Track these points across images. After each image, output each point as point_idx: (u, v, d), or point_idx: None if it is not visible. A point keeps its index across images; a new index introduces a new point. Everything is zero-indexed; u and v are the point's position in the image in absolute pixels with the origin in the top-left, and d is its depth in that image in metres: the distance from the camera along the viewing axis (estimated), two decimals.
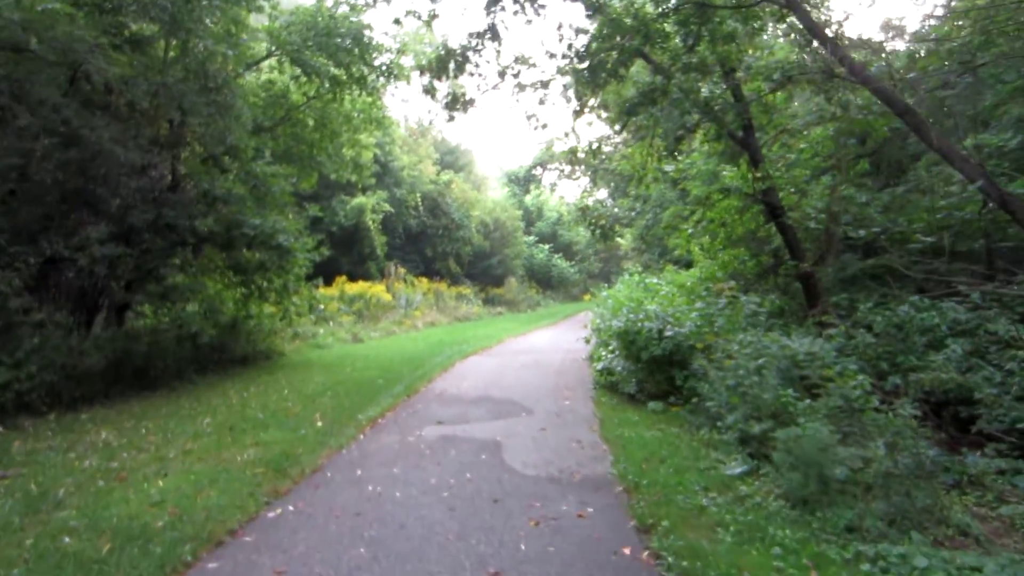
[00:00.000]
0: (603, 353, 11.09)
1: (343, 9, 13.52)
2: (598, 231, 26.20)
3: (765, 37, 11.86)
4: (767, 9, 9.49)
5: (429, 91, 12.90)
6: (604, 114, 14.24)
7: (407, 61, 15.64)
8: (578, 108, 14.78)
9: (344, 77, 15.09)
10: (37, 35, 7.77)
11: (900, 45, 15.80)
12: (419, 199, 31.15)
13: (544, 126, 13.21)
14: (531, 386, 10.55)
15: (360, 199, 26.43)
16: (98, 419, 7.97)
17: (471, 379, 11.23)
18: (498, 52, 13.12)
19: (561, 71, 13.02)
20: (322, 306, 18.61)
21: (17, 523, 4.55)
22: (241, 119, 10.34)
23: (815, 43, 9.08)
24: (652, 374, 9.21)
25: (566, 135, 14.18)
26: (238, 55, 10.65)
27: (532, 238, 45.21)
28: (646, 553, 4.26)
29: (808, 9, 9.15)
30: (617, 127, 13.82)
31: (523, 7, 10.33)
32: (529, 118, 14.32)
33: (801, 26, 8.84)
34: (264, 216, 10.18)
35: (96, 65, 8.10)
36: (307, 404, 8.89)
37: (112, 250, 8.76)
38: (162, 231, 9.59)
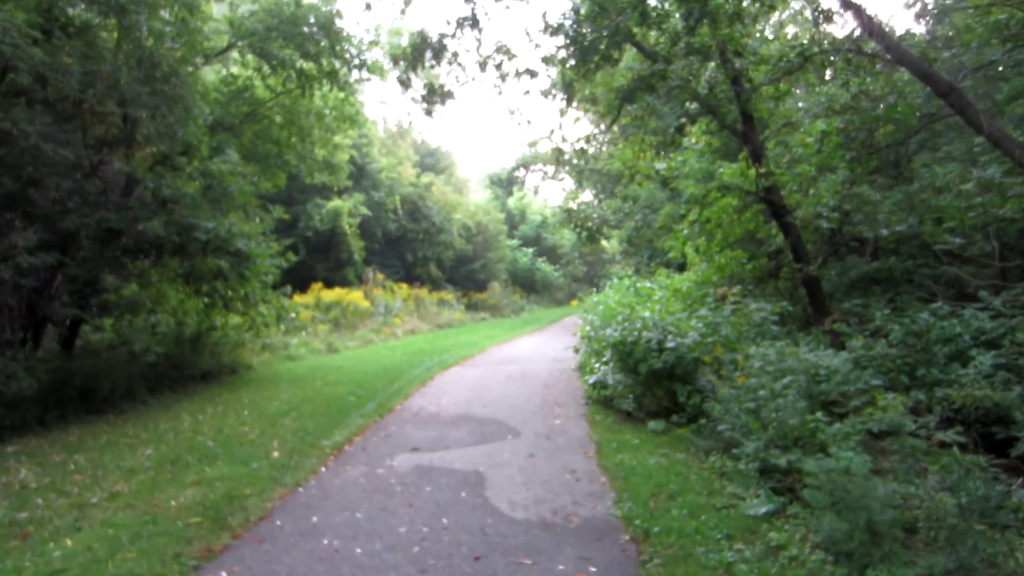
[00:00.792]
0: (595, 365, 10.21)
1: None
2: (584, 233, 25.44)
3: (768, 23, 11.11)
4: None
5: (404, 82, 12.00)
6: (592, 108, 13.36)
7: (381, 54, 14.73)
8: (565, 103, 13.97)
9: (314, 71, 14.15)
10: None
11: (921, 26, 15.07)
12: (398, 202, 30.15)
13: (528, 121, 12.34)
14: (517, 402, 9.64)
15: (336, 202, 25.41)
16: (25, 453, 6.95)
17: (451, 394, 10.29)
18: (479, 41, 12.21)
19: (548, 60, 12.17)
20: (293, 315, 17.57)
21: None
22: (193, 112, 9.35)
23: (836, 19, 8.25)
24: (651, 389, 8.33)
25: (552, 132, 13.26)
26: (189, 41, 9.64)
27: (515, 242, 44.30)
28: None
29: None
30: (606, 122, 12.97)
31: None
32: (512, 112, 13.43)
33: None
34: (219, 219, 9.18)
35: (20, 53, 7.10)
36: (266, 428, 7.92)
37: (43, 259, 7.75)
38: (104, 237, 8.58)
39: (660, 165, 14.17)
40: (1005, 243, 9.47)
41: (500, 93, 12.48)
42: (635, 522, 4.78)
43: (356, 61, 14.02)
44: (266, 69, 12.82)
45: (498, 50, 12.16)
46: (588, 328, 13.56)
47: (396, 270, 31.19)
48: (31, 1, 7.97)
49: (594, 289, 22.16)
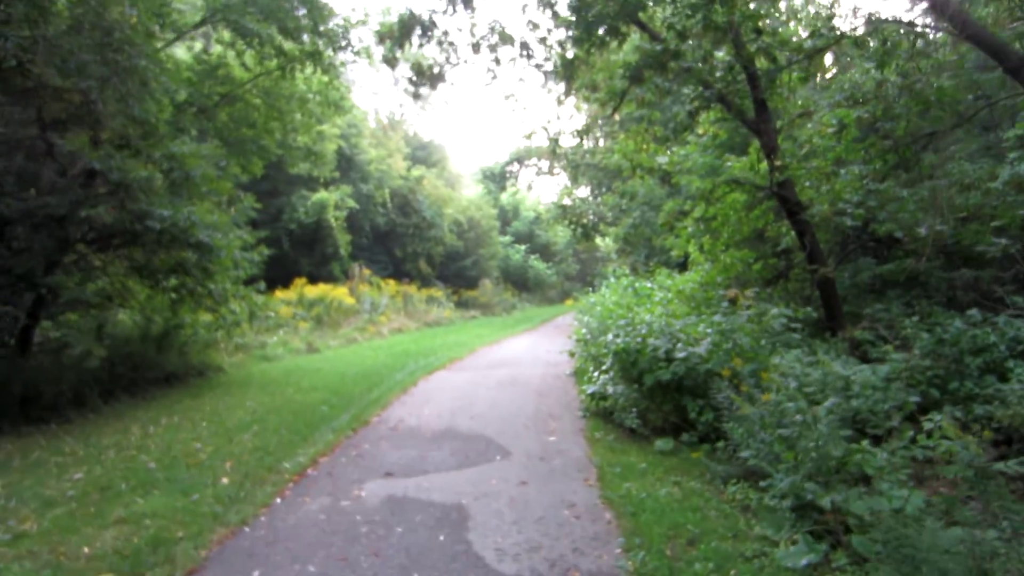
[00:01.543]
0: (593, 373, 9.29)
1: None
2: (579, 230, 24.58)
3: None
4: None
5: (389, 61, 11.07)
6: (592, 96, 12.43)
7: (369, 35, 13.80)
8: (564, 87, 13.07)
9: (295, 51, 13.21)
10: None
11: None
12: (387, 195, 29.15)
13: (524, 108, 11.44)
14: (507, 413, 8.72)
15: (322, 194, 24.40)
16: None
17: (435, 404, 9.36)
18: (472, 22, 11.30)
19: (545, 42, 11.26)
20: (272, 313, 16.60)
21: None
22: (151, 86, 8.38)
23: None
24: (657, 403, 7.43)
25: (548, 122, 12.35)
26: (149, 8, 8.67)
27: (508, 238, 43.37)
28: None
29: None
30: (608, 110, 12.06)
31: None
32: (508, 98, 12.51)
33: None
34: (177, 207, 8.20)
35: None
36: (222, 445, 6.97)
37: None
38: (42, 224, 7.61)
39: (662, 159, 13.30)
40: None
41: (495, 78, 11.55)
42: None
43: (341, 41, 13.06)
44: (241, 45, 11.87)
45: (492, 30, 11.27)
46: (584, 331, 12.68)
47: (384, 266, 30.23)
48: None
49: (589, 289, 21.27)
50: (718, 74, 9.36)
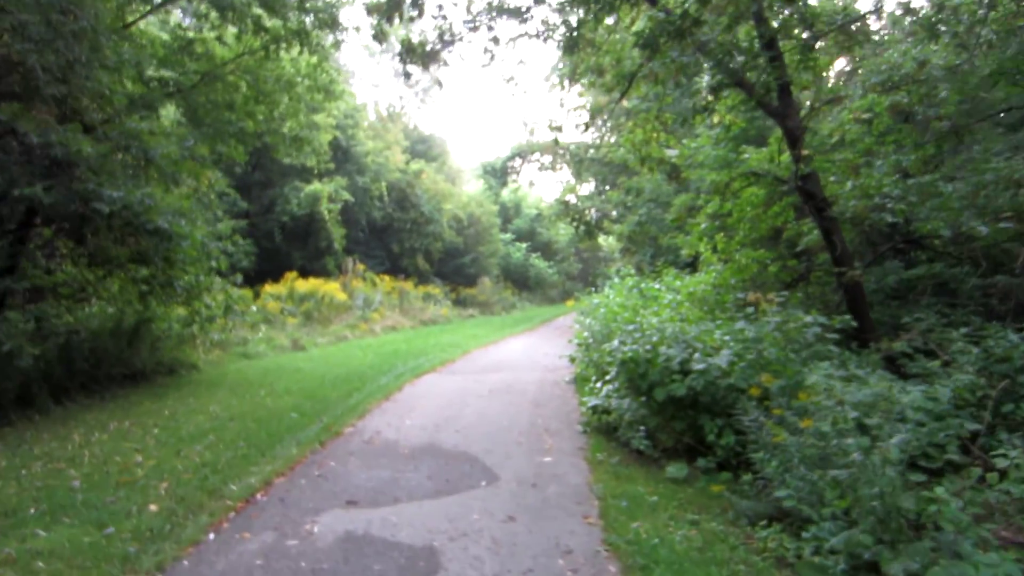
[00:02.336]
0: (596, 383, 8.35)
1: None
2: (582, 228, 23.59)
3: None
4: None
5: (378, 36, 10.15)
6: (599, 80, 11.48)
7: (360, 17, 12.85)
8: (567, 75, 12.19)
9: (280, 29, 12.28)
10: None
11: None
12: (384, 189, 28.18)
13: (525, 92, 10.51)
14: (499, 426, 7.78)
15: (315, 186, 23.44)
16: None
17: (419, 412, 8.42)
18: None
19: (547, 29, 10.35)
20: (254, 307, 15.69)
21: None
22: (104, 53, 7.44)
23: None
24: (668, 421, 6.49)
25: (551, 115, 11.41)
26: None
27: (509, 236, 42.37)
28: None
29: None
30: (615, 95, 11.12)
31: None
32: (508, 81, 11.56)
33: None
34: (130, 188, 7.26)
35: None
36: (167, 458, 6.04)
37: None
38: None
39: (672, 152, 12.41)
40: None
41: (492, 58, 10.58)
42: None
43: (326, 16, 12.12)
44: (215, 18, 10.93)
45: (490, 5, 10.35)
46: (586, 334, 11.74)
47: (380, 261, 29.29)
48: None
49: (592, 289, 20.31)
50: (739, 58, 8.47)
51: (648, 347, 6.84)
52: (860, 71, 11.61)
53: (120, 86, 8.89)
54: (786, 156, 10.33)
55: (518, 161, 31.10)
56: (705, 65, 10.11)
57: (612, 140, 21.57)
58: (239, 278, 11.60)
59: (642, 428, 6.62)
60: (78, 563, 3.84)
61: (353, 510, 4.93)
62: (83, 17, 7.07)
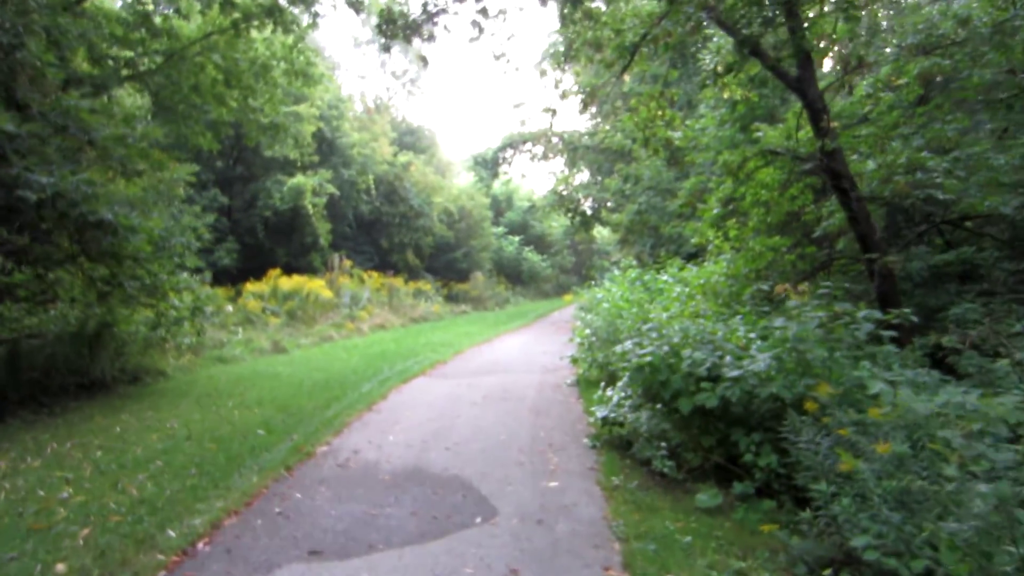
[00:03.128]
0: (605, 390, 7.37)
1: None
2: (578, 219, 22.66)
3: None
4: None
5: (354, 5, 9.15)
6: (597, 56, 10.50)
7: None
8: (564, 51, 11.27)
9: (252, 6, 11.27)
10: None
11: None
12: (372, 182, 27.10)
13: (516, 69, 9.52)
14: (495, 441, 6.80)
15: (299, 179, 22.36)
16: None
17: (404, 426, 7.43)
18: None
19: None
20: (229, 307, 14.65)
21: None
22: (31, 18, 6.41)
23: None
24: (695, 435, 5.54)
25: (545, 99, 10.42)
26: None
27: (501, 229, 41.40)
28: None
29: None
30: (616, 70, 10.14)
31: None
32: (498, 58, 10.57)
33: None
34: (64, 173, 6.23)
35: None
36: (99, 492, 5.04)
37: None
38: None
39: (675, 133, 11.49)
40: None
41: (481, 32, 9.60)
42: None
43: None
44: None
45: None
46: (588, 331, 10.78)
47: (369, 257, 28.28)
48: None
49: (591, 282, 19.34)
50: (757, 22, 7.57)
51: (665, 347, 5.89)
52: (885, 35, 10.66)
53: (66, 63, 7.86)
54: (804, 133, 9.43)
55: (510, 152, 29.99)
56: (714, 39, 9.19)
57: (608, 127, 20.58)
58: (208, 276, 10.56)
59: (663, 445, 5.65)
60: None
61: (316, 563, 3.94)
62: None
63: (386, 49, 9.37)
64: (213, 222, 20.70)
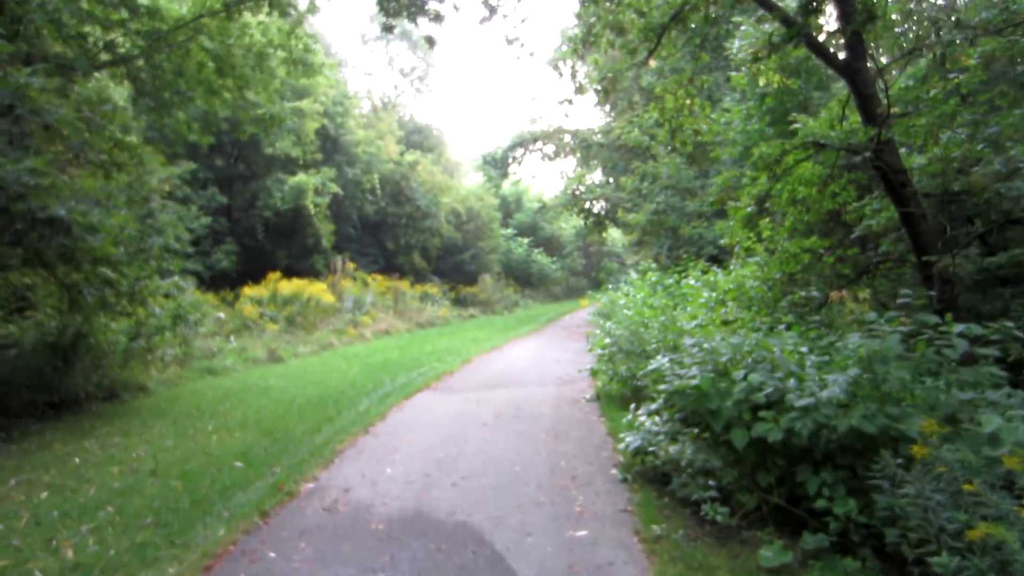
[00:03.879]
0: (636, 413, 6.42)
1: None
2: (591, 219, 21.73)
3: None
4: None
5: None
6: (619, 40, 9.58)
7: None
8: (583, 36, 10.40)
9: None
10: None
11: None
12: (377, 181, 26.20)
13: (531, 54, 8.61)
14: (509, 474, 5.86)
15: (300, 177, 21.46)
16: None
17: (404, 455, 6.50)
18: None
19: None
20: (220, 314, 13.76)
21: None
22: None
23: None
24: (748, 471, 4.61)
25: (559, 91, 9.50)
26: None
27: (510, 231, 40.47)
28: None
29: None
30: (642, 54, 9.23)
31: None
32: (511, 42, 9.67)
33: None
34: (2, 163, 5.34)
35: None
36: (27, 554, 4.11)
37: None
38: None
39: (703, 127, 10.61)
40: None
41: (493, 12, 8.73)
42: None
43: None
44: None
45: None
46: (608, 340, 9.84)
47: (374, 259, 27.40)
48: None
49: (607, 286, 18.40)
50: None
51: (709, 368, 4.96)
52: (941, 14, 9.68)
53: (29, 40, 6.99)
54: (847, 124, 8.51)
55: (520, 151, 29.07)
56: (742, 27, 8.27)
57: (625, 123, 19.63)
58: (192, 281, 9.68)
59: (711, 484, 4.70)
60: None
61: None
62: None
63: (388, 29, 8.48)
64: (210, 223, 19.96)
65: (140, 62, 9.70)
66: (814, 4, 6.54)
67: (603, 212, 23.00)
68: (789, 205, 9.17)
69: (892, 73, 8.75)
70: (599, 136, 22.89)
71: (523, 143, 28.78)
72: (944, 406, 4.17)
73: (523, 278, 39.02)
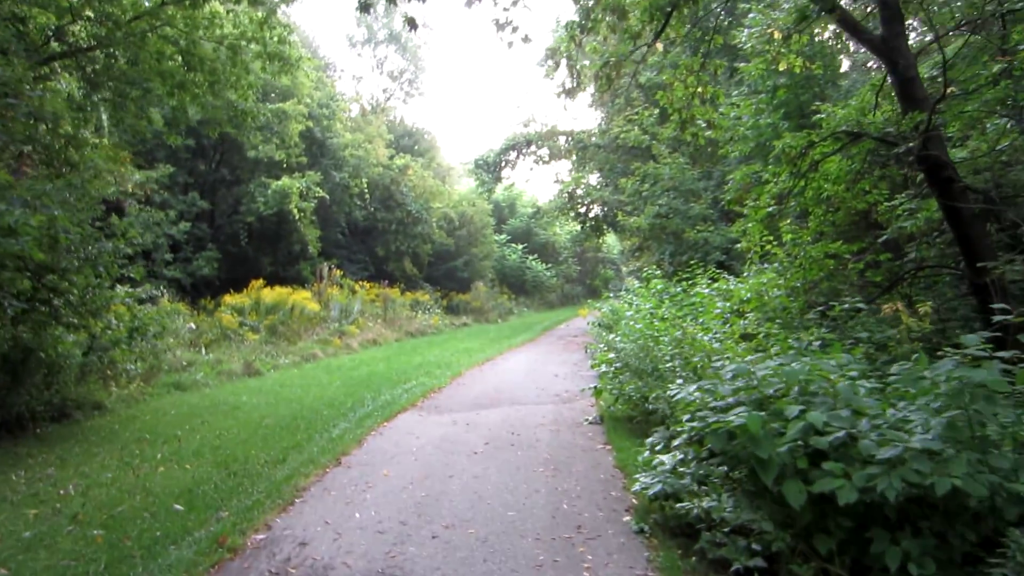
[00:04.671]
0: (655, 446, 5.46)
1: None
2: (588, 224, 20.78)
3: None
4: None
5: None
6: (620, 24, 8.64)
7: None
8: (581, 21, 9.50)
9: None
10: None
11: None
12: (365, 185, 25.22)
13: (525, 39, 7.74)
14: (501, 521, 4.89)
15: (284, 181, 20.48)
16: None
17: (378, 494, 5.52)
18: None
19: None
20: (192, 325, 12.76)
21: None
22: None
23: None
24: (805, 536, 3.66)
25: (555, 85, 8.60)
26: None
27: (504, 237, 39.52)
28: None
29: None
30: (647, 37, 8.33)
31: None
32: (502, 27, 8.71)
33: None
34: None
35: None
36: None
37: None
38: None
39: (714, 117, 9.78)
40: None
41: None
42: None
43: None
44: None
45: None
46: (612, 355, 8.91)
47: (364, 266, 26.44)
48: None
49: (608, 294, 17.46)
50: None
51: (755, 399, 4.01)
52: None
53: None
54: (880, 114, 7.65)
55: (513, 154, 28.16)
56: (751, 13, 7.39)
57: (622, 121, 18.73)
58: (149, 289, 8.73)
59: (758, 549, 3.75)
60: None
61: None
62: None
63: (364, 9, 7.53)
64: (191, 229, 18.98)
65: (97, 52, 8.74)
66: None
67: (601, 216, 22.09)
68: (815, 204, 8.29)
69: (931, 53, 7.84)
70: (596, 137, 21.97)
71: (516, 146, 27.89)
72: None
73: (517, 285, 38.06)
